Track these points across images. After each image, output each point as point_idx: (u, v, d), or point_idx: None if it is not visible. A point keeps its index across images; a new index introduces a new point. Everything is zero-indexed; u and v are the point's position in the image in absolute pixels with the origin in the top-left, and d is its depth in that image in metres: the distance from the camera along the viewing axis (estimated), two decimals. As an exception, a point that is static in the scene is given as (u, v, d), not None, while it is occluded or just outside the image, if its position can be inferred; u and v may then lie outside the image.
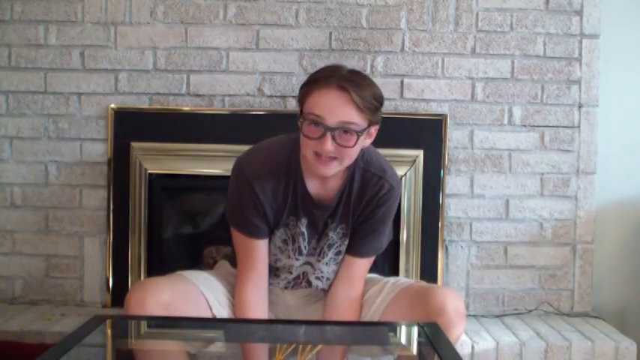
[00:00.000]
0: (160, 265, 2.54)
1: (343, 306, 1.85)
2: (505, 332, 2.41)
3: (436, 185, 2.57)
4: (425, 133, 2.57)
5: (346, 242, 1.85)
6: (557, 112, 2.62)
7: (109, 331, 1.67)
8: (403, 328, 1.79)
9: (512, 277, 2.64)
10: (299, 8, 2.58)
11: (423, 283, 1.95)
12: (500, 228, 2.63)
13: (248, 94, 2.60)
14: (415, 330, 1.71)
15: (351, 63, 2.49)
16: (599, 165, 2.64)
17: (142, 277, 2.54)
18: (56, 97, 2.59)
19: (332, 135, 1.64)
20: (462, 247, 2.63)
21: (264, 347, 1.79)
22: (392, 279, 1.93)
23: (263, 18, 2.58)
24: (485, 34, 2.60)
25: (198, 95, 2.60)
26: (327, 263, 1.88)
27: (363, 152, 1.80)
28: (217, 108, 2.59)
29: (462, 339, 2.17)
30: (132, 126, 2.57)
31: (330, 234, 1.83)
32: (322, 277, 1.90)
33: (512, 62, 2.61)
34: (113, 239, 2.57)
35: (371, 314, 1.84)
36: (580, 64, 2.61)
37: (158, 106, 2.59)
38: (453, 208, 2.62)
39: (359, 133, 1.66)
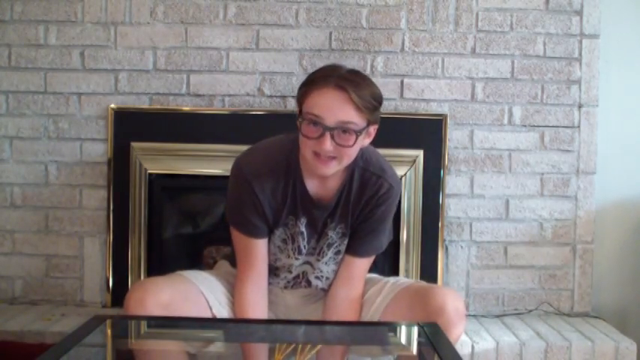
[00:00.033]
0: (160, 265, 2.54)
1: (343, 306, 1.85)
2: (505, 332, 2.41)
3: (436, 185, 2.57)
4: (425, 133, 2.57)
5: (346, 242, 1.85)
6: (557, 112, 2.62)
7: (109, 331, 1.67)
8: (403, 328, 1.79)
9: (512, 277, 2.64)
10: (299, 8, 2.58)
11: (423, 283, 1.95)
12: (500, 228, 2.63)
13: (248, 94, 2.60)
14: (415, 330, 1.71)
15: (351, 63, 2.49)
16: (599, 165, 2.64)
17: (142, 277, 2.54)
18: (56, 97, 2.59)
19: (331, 135, 1.64)
20: (462, 247, 2.64)
21: (264, 347, 1.79)
22: (392, 279, 1.93)
23: (263, 18, 2.58)
24: (485, 34, 2.60)
25: (198, 95, 2.60)
26: (326, 263, 1.88)
27: (363, 152, 1.80)
28: (217, 108, 2.59)
29: (462, 339, 2.17)
30: (132, 126, 2.57)
31: (330, 233, 1.83)
32: (322, 276, 1.90)
33: (512, 62, 2.61)
34: (113, 239, 2.57)
35: (371, 314, 1.84)
36: (580, 64, 2.61)
37: (158, 106, 2.59)
38: (453, 208, 2.62)
39: (358, 133, 1.66)
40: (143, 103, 2.59)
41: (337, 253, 1.87)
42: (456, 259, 2.63)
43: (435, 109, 2.60)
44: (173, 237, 2.66)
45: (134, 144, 2.55)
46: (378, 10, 2.59)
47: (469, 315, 2.57)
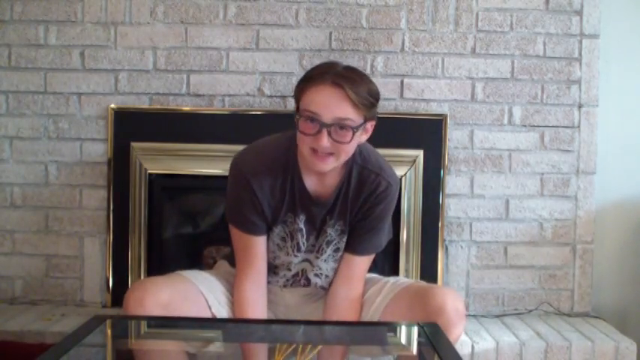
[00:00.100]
0: (160, 265, 2.54)
1: (343, 305, 1.85)
2: (505, 332, 2.41)
3: (436, 185, 2.57)
4: (425, 133, 2.57)
5: (344, 239, 1.85)
6: (557, 112, 2.62)
7: (109, 331, 1.67)
8: (403, 328, 1.79)
9: (512, 277, 2.64)
10: (299, 8, 2.58)
11: (423, 283, 1.95)
12: (500, 228, 2.63)
13: (248, 94, 2.60)
14: (415, 330, 1.71)
15: (351, 63, 2.46)
16: (599, 165, 2.64)
17: (142, 277, 2.54)
18: (56, 97, 2.60)
19: (328, 131, 1.64)
20: (462, 247, 2.63)
21: (264, 347, 1.79)
22: (392, 279, 1.93)
23: (263, 18, 2.58)
24: (485, 34, 2.60)
25: (198, 95, 2.60)
26: (325, 260, 1.88)
27: (361, 149, 1.81)
28: (217, 108, 2.59)
29: (462, 339, 2.17)
30: (132, 126, 2.57)
31: (329, 231, 1.84)
32: (321, 274, 1.90)
33: (512, 62, 2.61)
34: (113, 239, 2.57)
35: (371, 314, 1.84)
36: (580, 64, 2.61)
37: (158, 106, 2.59)
38: (453, 208, 2.62)
39: (355, 129, 1.66)
40: (143, 103, 2.59)
41: (336, 250, 1.87)
42: (456, 259, 2.63)
43: (435, 109, 2.60)
44: (173, 237, 2.66)
45: (134, 144, 2.55)
46: (378, 10, 2.59)
47: (469, 315, 2.57)
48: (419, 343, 1.68)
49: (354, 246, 1.86)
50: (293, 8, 2.58)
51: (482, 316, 2.61)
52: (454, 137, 2.61)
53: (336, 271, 1.89)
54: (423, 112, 2.60)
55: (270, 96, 2.60)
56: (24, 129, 2.60)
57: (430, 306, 1.71)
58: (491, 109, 2.62)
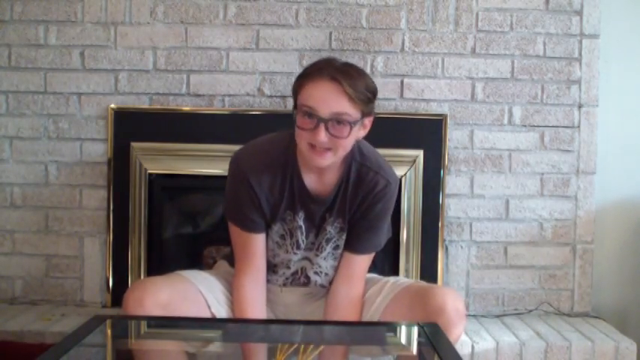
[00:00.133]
0: (160, 265, 2.54)
1: (344, 304, 1.85)
2: (505, 332, 2.41)
3: (436, 185, 2.57)
4: (425, 133, 2.57)
5: (344, 237, 1.86)
6: (557, 112, 2.62)
7: (109, 331, 1.67)
8: (403, 328, 1.79)
9: (512, 277, 2.64)
10: (299, 8, 2.58)
11: (423, 283, 1.95)
12: (500, 228, 2.63)
13: (248, 94, 2.60)
14: (415, 330, 1.71)
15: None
16: (599, 165, 2.64)
17: (142, 277, 2.54)
18: (56, 97, 2.60)
19: (325, 126, 1.65)
20: (462, 247, 2.63)
21: (264, 347, 1.79)
22: (392, 279, 1.93)
23: (263, 18, 2.58)
24: (485, 34, 2.60)
25: (198, 95, 2.60)
26: (325, 258, 1.88)
27: (360, 147, 1.82)
28: (217, 108, 2.59)
29: (462, 339, 2.17)
30: (132, 126, 2.57)
31: (328, 228, 1.84)
32: (321, 272, 1.90)
33: (512, 62, 2.61)
34: (113, 239, 2.57)
35: (371, 314, 1.84)
36: (580, 64, 2.61)
37: (158, 106, 2.59)
38: (453, 208, 2.62)
39: (352, 124, 1.67)
40: (143, 103, 2.59)
41: (336, 248, 1.87)
42: (456, 259, 2.63)
43: (435, 109, 2.60)
44: (173, 237, 2.66)
45: (134, 144, 2.55)
46: (378, 10, 2.59)
47: (469, 315, 2.57)
48: (419, 343, 1.68)
49: (354, 245, 1.86)
50: (293, 8, 2.58)
51: (483, 316, 2.61)
52: (454, 137, 2.61)
53: (335, 269, 1.89)
54: (423, 112, 2.60)
55: (270, 96, 2.60)
56: (24, 129, 2.60)
57: (430, 306, 1.71)
58: (491, 109, 2.62)
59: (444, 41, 2.60)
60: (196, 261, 2.61)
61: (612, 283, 2.76)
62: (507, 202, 2.63)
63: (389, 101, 2.59)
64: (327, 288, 1.92)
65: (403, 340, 1.81)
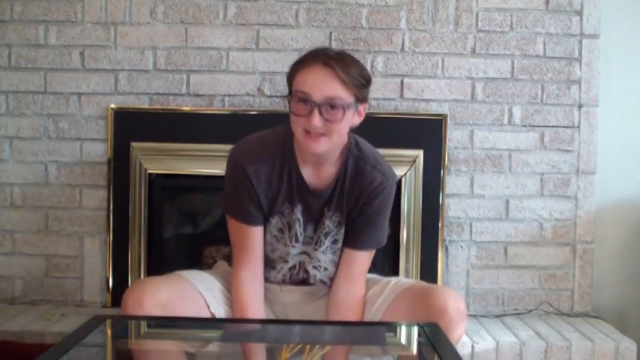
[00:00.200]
0: (160, 265, 2.54)
1: (346, 302, 1.85)
2: (505, 332, 2.41)
3: (436, 185, 2.57)
4: (425, 133, 2.57)
5: (342, 230, 1.86)
6: (557, 112, 2.62)
7: (109, 331, 1.67)
8: (403, 328, 1.79)
9: (512, 277, 2.64)
10: (299, 8, 2.58)
11: (424, 284, 1.95)
12: (500, 228, 2.63)
13: (248, 94, 2.60)
14: (415, 330, 1.71)
15: (351, 63, 2.49)
16: (599, 165, 2.64)
17: (142, 277, 2.54)
18: (56, 97, 2.59)
19: (319, 110, 1.67)
20: (462, 247, 2.63)
21: (264, 347, 1.79)
22: (393, 279, 1.93)
23: (263, 18, 2.58)
24: (485, 34, 2.60)
25: (198, 95, 2.60)
26: (323, 252, 1.88)
27: (358, 143, 1.84)
28: (217, 108, 2.59)
29: (462, 339, 2.16)
30: (132, 126, 2.57)
31: (326, 222, 1.85)
32: (320, 266, 1.90)
33: (512, 62, 2.61)
34: (113, 239, 2.57)
35: (372, 314, 1.84)
36: (580, 64, 2.61)
37: (158, 106, 2.59)
38: (453, 208, 2.62)
39: (345, 108, 1.69)
40: (143, 103, 2.59)
41: (334, 242, 1.87)
42: (456, 259, 2.63)
43: (435, 109, 2.60)
44: (173, 237, 2.66)
45: (134, 144, 2.55)
46: (378, 10, 2.59)
47: (469, 315, 2.56)
48: (419, 343, 1.68)
49: (353, 241, 1.86)
50: (293, 8, 2.58)
51: (483, 316, 2.61)
52: (454, 137, 2.61)
53: (335, 264, 1.89)
54: (423, 112, 2.60)
55: (270, 96, 2.60)
56: (24, 129, 2.60)
57: (432, 306, 1.71)
58: (491, 109, 2.62)
59: (444, 41, 2.60)
60: (196, 261, 2.61)
61: (612, 283, 2.76)
62: (507, 202, 2.63)
63: (389, 101, 2.59)
64: (328, 285, 1.92)
65: (403, 340, 1.81)
